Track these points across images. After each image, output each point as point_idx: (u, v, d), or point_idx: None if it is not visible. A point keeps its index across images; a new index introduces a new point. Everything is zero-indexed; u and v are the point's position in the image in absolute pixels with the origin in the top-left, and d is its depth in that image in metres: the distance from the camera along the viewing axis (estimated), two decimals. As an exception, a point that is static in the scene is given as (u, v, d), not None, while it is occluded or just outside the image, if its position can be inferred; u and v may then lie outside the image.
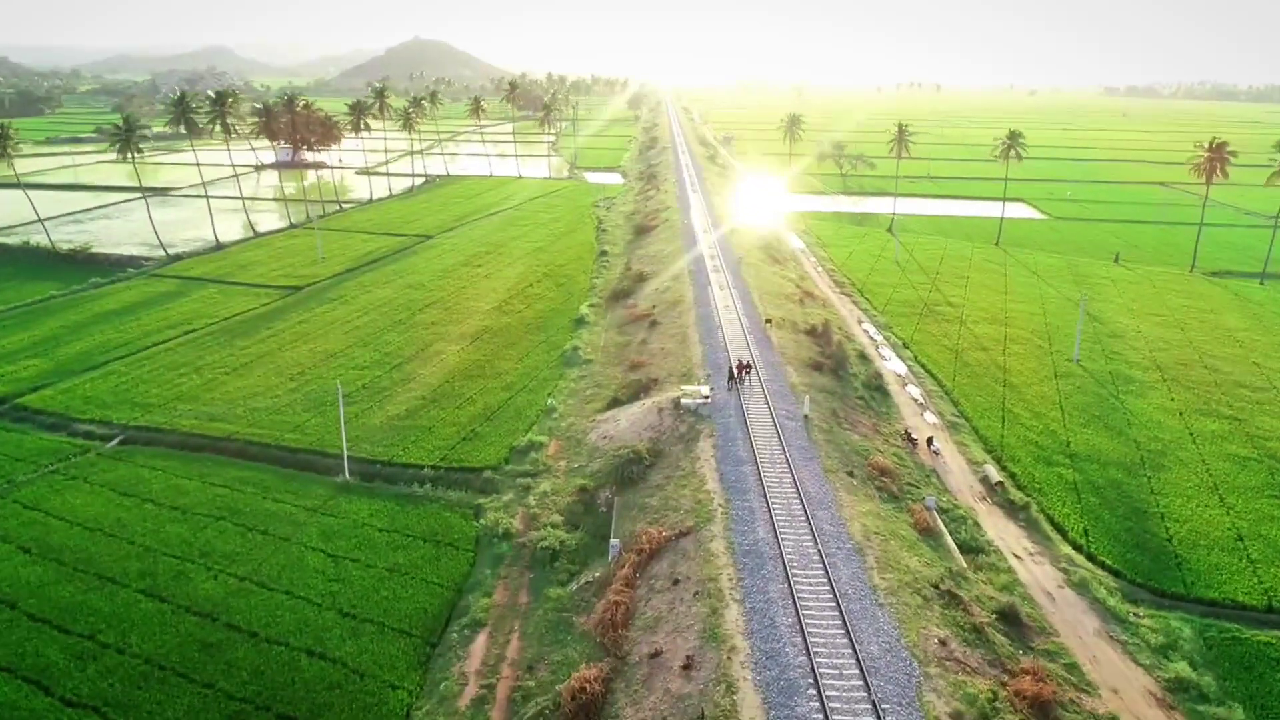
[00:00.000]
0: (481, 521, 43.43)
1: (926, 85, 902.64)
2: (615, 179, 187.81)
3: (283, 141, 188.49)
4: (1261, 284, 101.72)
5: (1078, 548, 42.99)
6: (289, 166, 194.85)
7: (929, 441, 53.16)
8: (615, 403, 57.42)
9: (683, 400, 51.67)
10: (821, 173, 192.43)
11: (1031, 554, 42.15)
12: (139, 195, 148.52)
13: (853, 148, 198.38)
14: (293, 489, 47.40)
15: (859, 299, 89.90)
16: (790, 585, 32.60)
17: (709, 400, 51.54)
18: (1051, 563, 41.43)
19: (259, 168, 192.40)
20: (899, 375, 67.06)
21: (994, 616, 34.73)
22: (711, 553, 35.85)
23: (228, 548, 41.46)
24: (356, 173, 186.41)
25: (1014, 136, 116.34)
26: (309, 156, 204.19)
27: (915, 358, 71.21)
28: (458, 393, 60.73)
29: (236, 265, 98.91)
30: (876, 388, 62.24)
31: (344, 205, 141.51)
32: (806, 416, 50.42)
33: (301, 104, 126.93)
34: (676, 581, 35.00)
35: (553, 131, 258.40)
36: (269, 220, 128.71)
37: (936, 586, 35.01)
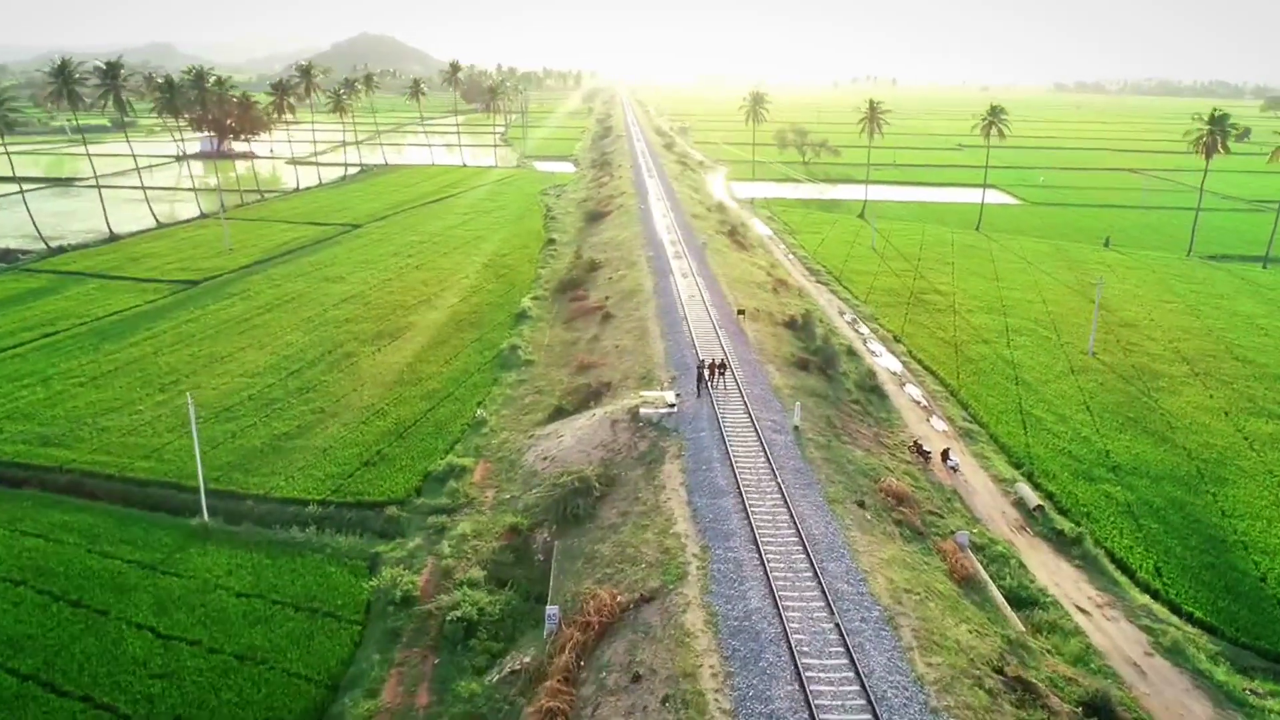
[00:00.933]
0: (375, 581, 32.38)
1: (882, 80, 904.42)
2: (567, 168, 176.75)
3: (206, 129, 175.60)
4: (1264, 268, 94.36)
5: (1153, 594, 33.37)
6: (215, 157, 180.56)
7: (944, 455, 43.34)
8: (559, 413, 46.73)
9: (642, 410, 41.18)
10: (784, 160, 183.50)
11: (1099, 605, 32.40)
12: (37, 186, 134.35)
13: (814, 136, 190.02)
14: (131, 537, 35.91)
15: (837, 288, 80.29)
16: (803, 686, 22.29)
17: (675, 409, 41.14)
18: (1127, 617, 31.72)
19: (181, 158, 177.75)
20: (894, 373, 57.38)
21: (1081, 712, 24.81)
22: (686, 631, 25.40)
23: (18, 629, 29.96)
24: (287, 162, 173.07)
25: (995, 112, 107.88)
26: (237, 146, 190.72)
27: (910, 352, 61.68)
28: (366, 403, 49.53)
29: (128, 258, 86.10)
30: (872, 389, 52.40)
31: (266, 194, 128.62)
32: (797, 428, 40.26)
33: (213, 80, 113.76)
34: (637, 677, 24.46)
35: (502, 123, 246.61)
36: (181, 211, 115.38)
37: (1000, 671, 24.96)
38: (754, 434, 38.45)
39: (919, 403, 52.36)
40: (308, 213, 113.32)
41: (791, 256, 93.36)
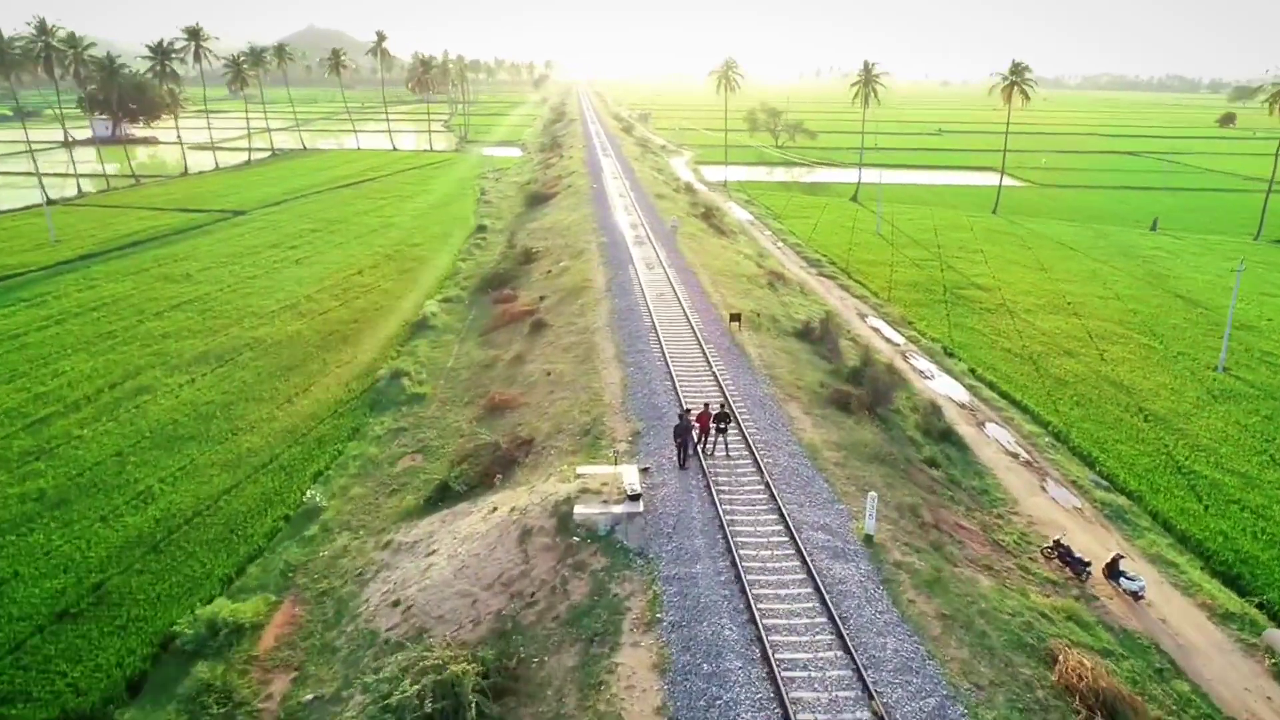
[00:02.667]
0: None
1: (845, 72, 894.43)
2: (514, 153, 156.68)
3: (97, 111, 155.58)
4: (1351, 253, 78.02)
5: None
6: (110, 142, 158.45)
7: (1111, 569, 24.72)
8: (443, 497, 27.40)
9: (579, 510, 22.01)
10: (756, 145, 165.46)
11: None
12: None
13: (788, 118, 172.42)
14: None
15: (848, 282, 61.88)
16: None
17: (638, 506, 22.06)
18: None
19: (68, 144, 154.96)
20: (962, 405, 38.97)
21: None
22: None
23: None
24: (190, 148, 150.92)
25: (1019, 70, 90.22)
26: (137, 132, 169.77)
27: (972, 371, 43.37)
28: (127, 479, 29.80)
29: (-93, 253, 64.76)
30: (943, 435, 33.82)
31: (144, 179, 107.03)
32: (870, 538, 21.48)
33: (62, 33, 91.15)
34: None
35: (445, 113, 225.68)
36: (24, 198, 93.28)
37: None
38: (798, 562, 19.61)
39: (1015, 454, 33.93)
40: (185, 199, 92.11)
41: (781, 244, 74.84)
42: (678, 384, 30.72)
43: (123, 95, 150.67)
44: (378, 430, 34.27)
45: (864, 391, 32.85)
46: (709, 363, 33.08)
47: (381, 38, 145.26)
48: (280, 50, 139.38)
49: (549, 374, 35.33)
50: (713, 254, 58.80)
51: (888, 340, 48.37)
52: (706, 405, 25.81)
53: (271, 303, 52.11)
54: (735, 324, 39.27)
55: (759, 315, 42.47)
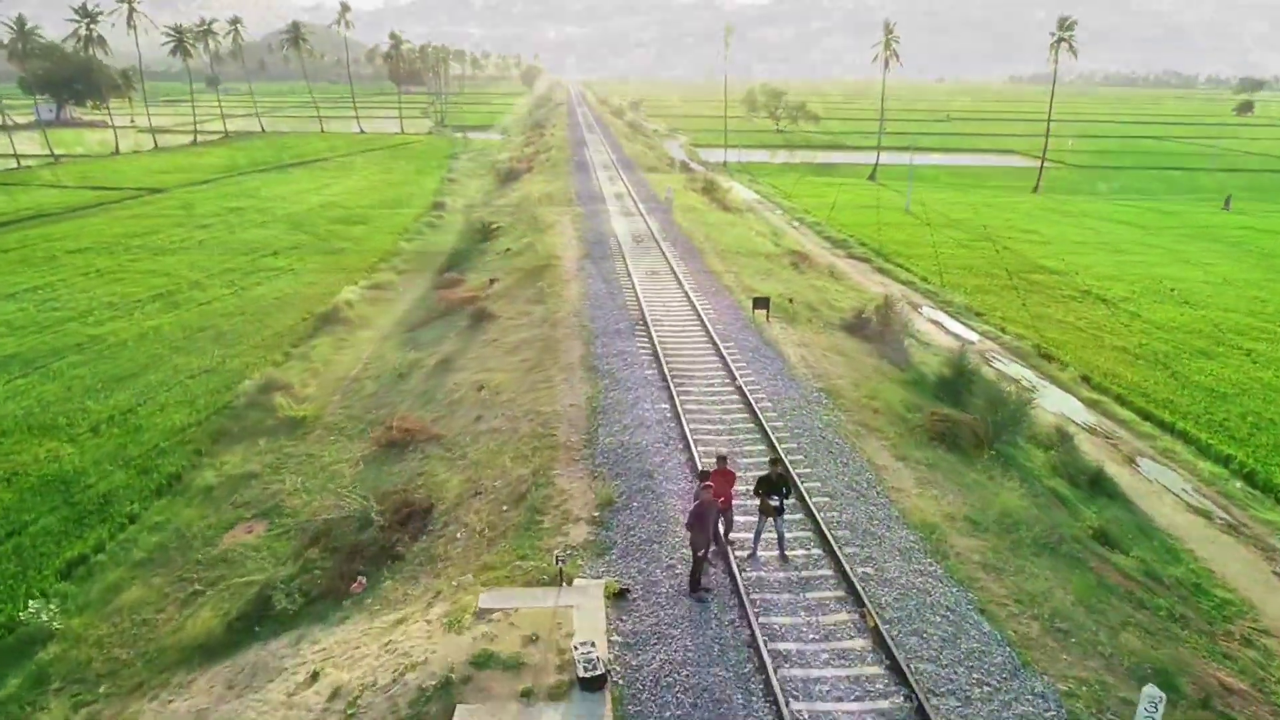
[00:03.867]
0: None
1: (834, 70, 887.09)
2: (494, 137, 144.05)
3: (47, 96, 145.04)
4: None
5: None
6: (54, 126, 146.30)
7: None
8: (260, 616, 15.02)
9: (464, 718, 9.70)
10: (755, 130, 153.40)
11: None
12: None
13: (790, 99, 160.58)
14: None
15: (885, 265, 49.73)
16: None
17: (602, 706, 9.71)
18: None
19: (4, 128, 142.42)
20: (1089, 429, 26.86)
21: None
22: None
23: None
24: (139, 131, 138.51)
25: (1066, 24, 78.06)
26: (85, 116, 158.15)
27: (1085, 379, 31.25)
28: None
29: None
30: (1092, 483, 21.61)
31: (62, 158, 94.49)
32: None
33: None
34: None
35: (426, 100, 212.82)
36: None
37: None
38: None
39: (1204, 512, 21.82)
40: (100, 177, 79.39)
41: (797, 223, 62.69)
42: (681, 410, 18.48)
43: (65, 75, 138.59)
44: (211, 477, 21.90)
45: (978, 417, 20.57)
46: (730, 372, 20.88)
47: (345, 8, 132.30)
48: (235, 23, 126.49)
49: (480, 389, 22.99)
50: (718, 228, 46.63)
51: (955, 335, 36.27)
52: (721, 460, 13.49)
53: (140, 290, 39.71)
54: (762, 312, 27.10)
55: (792, 302, 30.27)
